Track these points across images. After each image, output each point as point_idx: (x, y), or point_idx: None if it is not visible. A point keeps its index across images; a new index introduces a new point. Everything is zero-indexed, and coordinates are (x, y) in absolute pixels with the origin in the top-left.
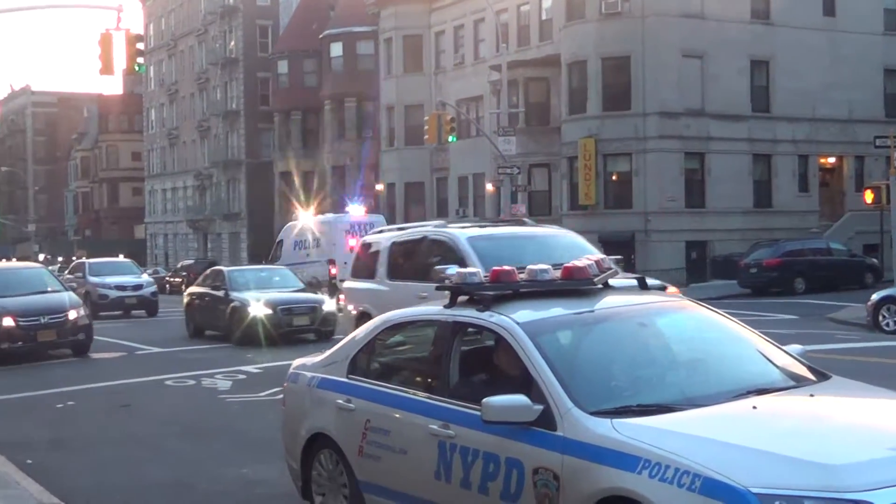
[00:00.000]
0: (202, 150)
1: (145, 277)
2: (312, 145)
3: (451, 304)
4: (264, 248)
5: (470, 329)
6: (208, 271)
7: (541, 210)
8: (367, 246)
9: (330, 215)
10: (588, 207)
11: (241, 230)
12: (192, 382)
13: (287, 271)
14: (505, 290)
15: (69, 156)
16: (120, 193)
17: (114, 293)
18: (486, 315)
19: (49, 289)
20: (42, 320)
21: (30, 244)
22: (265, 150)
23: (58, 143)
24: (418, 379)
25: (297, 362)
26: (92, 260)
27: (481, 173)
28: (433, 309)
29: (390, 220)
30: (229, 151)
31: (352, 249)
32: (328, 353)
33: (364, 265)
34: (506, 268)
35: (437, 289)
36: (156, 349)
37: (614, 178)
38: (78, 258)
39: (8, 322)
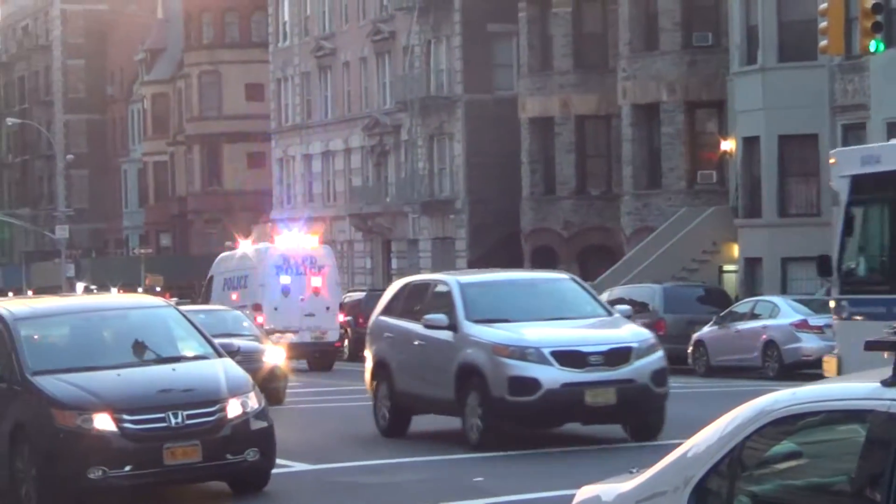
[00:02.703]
0: (378, 80)
1: None
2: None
3: None
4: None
5: None
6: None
7: None
8: None
9: (263, 245)
10: None
11: (459, 231)
12: None
13: (237, 313)
14: None
15: (129, 95)
16: (224, 164)
17: None
18: None
19: (185, 351)
20: (172, 420)
21: (59, 264)
22: (502, 76)
23: (108, 72)
24: None
25: (583, 493)
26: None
27: None
28: (862, 388)
29: (751, 211)
30: (433, 82)
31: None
32: (643, 475)
33: None
34: None
35: (869, 347)
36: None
37: None
38: (151, 288)
39: (104, 423)
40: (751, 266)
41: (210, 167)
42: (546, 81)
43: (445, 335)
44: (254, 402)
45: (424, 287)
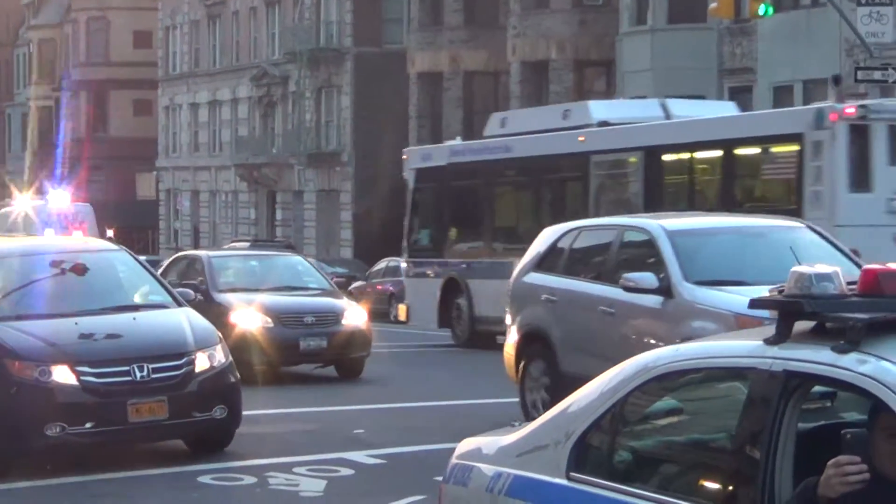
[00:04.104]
0: (267, 30)
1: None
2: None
3: (781, 336)
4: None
5: (817, 388)
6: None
7: None
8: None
9: (38, 202)
10: None
11: (344, 184)
12: (250, 480)
13: (298, 259)
14: (893, 310)
15: (16, 39)
16: (111, 111)
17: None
18: (849, 361)
19: (143, 300)
20: (137, 374)
21: None
22: (392, 30)
23: None
24: (712, 484)
25: (464, 446)
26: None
27: (821, 80)
28: (744, 346)
29: None
30: (322, 34)
31: None
32: (524, 429)
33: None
34: (892, 267)
35: (754, 305)
36: None
37: None
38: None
39: (63, 376)
40: None
41: (96, 113)
42: (436, 36)
43: (652, 301)
44: (221, 355)
45: (606, 234)
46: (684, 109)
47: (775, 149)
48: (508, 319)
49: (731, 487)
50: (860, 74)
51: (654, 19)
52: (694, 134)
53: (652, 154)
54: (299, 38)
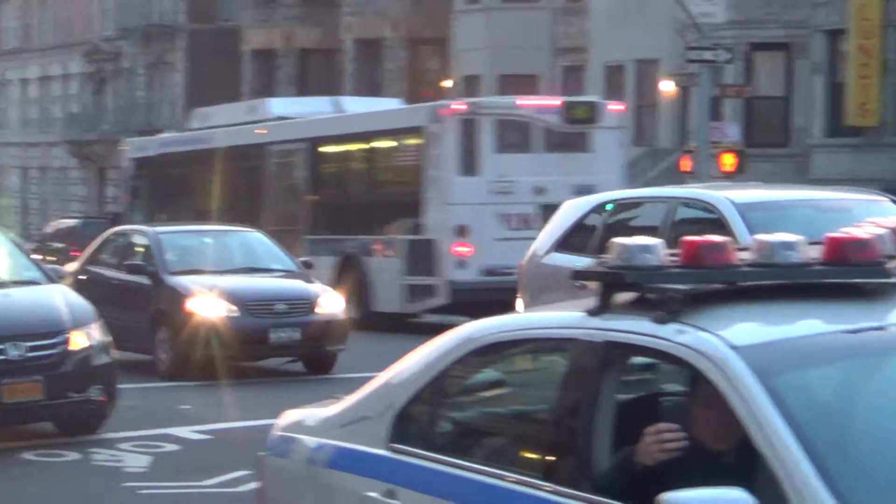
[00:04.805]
0: (100, 6)
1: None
2: None
3: (602, 307)
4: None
5: (636, 358)
6: (110, 235)
7: (769, 135)
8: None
9: None
10: (864, 132)
11: None
12: (74, 456)
13: (258, 236)
14: (712, 281)
15: None
16: None
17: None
18: (669, 331)
19: (12, 275)
20: (12, 352)
21: None
22: (226, 7)
23: None
24: (532, 455)
25: (287, 418)
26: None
27: (652, 60)
28: (567, 317)
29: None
30: (155, 10)
31: None
32: (346, 401)
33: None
34: (713, 239)
35: (576, 276)
36: None
37: None
38: None
39: None
40: None
41: None
42: (270, 14)
43: None
44: (98, 334)
45: (653, 208)
46: (355, 106)
47: (406, 140)
48: (520, 306)
49: (551, 458)
50: (691, 55)
51: None
52: (344, 127)
53: (314, 145)
54: (131, 15)
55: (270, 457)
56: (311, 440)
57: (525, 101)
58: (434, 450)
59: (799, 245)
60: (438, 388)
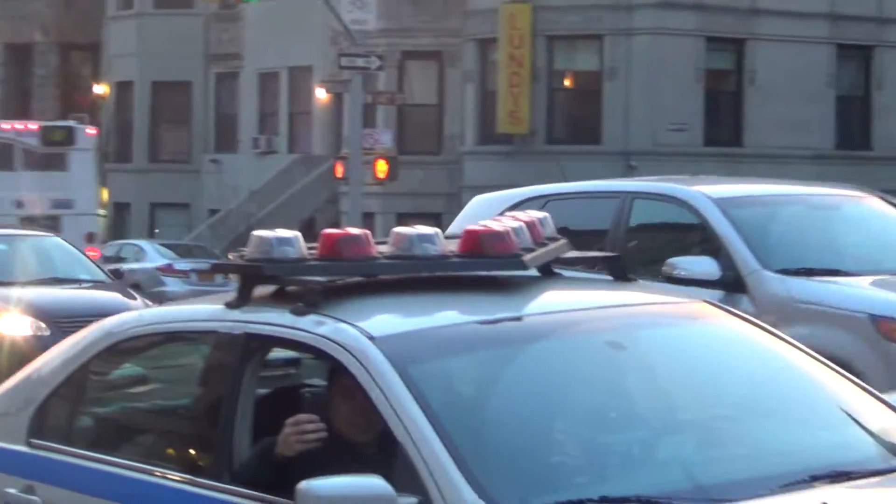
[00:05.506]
0: None
1: None
2: None
3: (242, 299)
4: None
5: (276, 349)
6: None
7: (422, 143)
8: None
9: None
10: (514, 139)
11: None
12: None
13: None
14: (350, 274)
15: None
16: None
17: None
18: (307, 322)
19: None
20: None
21: None
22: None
23: None
24: (172, 449)
25: None
26: None
27: (306, 67)
28: (207, 310)
29: (122, 156)
30: None
31: None
32: None
33: None
34: (351, 231)
35: (215, 269)
36: None
37: (567, 83)
38: None
39: None
40: (120, 211)
41: None
42: None
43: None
44: None
45: (598, 205)
46: None
47: None
48: None
49: (191, 452)
50: (344, 61)
51: (142, 4)
52: None
53: None
54: None
55: None
56: None
57: (6, 125)
58: (73, 445)
59: (437, 238)
60: (78, 382)
